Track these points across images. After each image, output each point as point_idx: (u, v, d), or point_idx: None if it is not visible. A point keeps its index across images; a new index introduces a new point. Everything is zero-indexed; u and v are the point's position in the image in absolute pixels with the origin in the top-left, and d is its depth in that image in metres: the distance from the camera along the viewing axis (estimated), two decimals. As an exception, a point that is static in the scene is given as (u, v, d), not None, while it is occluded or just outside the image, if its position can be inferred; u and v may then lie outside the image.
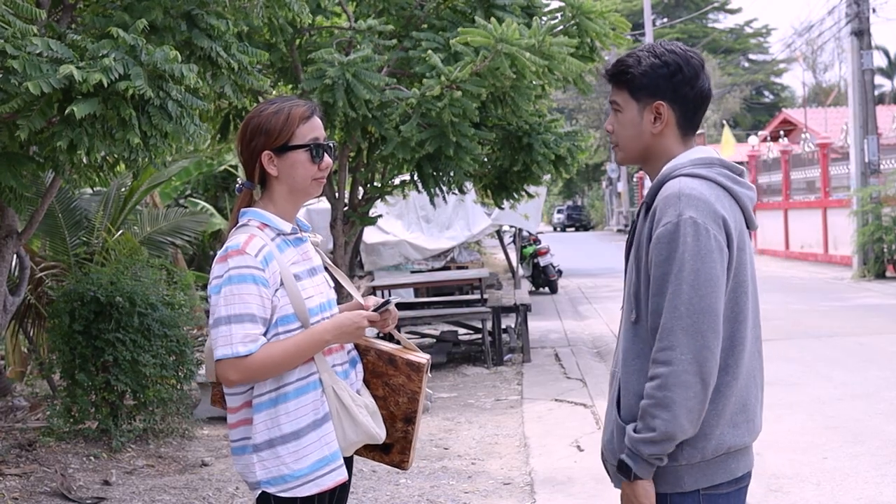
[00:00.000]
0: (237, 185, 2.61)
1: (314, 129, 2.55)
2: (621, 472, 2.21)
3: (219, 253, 2.48)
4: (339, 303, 2.72)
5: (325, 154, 2.56)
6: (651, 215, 2.22)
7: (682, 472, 2.21)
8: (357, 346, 2.68)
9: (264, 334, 2.44)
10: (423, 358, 2.67)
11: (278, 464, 2.47)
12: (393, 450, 2.69)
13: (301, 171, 2.53)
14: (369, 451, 2.68)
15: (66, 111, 4.20)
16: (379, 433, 2.60)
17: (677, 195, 2.17)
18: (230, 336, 2.39)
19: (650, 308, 2.19)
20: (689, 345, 2.11)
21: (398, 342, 2.76)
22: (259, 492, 2.51)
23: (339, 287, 2.76)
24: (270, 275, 2.44)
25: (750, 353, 2.25)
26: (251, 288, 2.41)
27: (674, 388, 2.12)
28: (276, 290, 2.46)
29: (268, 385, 2.47)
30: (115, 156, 4.81)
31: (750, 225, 2.30)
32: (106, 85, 4.16)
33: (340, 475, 2.52)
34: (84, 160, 4.56)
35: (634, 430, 2.18)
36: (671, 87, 2.27)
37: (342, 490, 2.63)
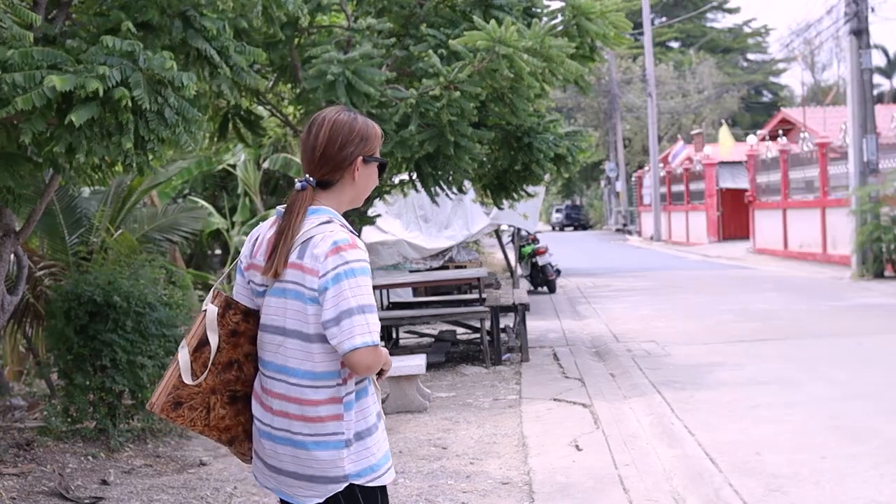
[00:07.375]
0: (300, 182, 2.59)
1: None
2: None
3: (325, 247, 2.46)
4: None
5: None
6: None
7: None
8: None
9: None
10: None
11: (367, 455, 2.53)
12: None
13: (370, 183, 2.67)
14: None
15: (66, 119, 4.18)
16: None
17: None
18: (367, 325, 2.44)
19: None
20: None
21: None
22: (341, 487, 2.50)
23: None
24: None
25: None
26: (369, 281, 2.50)
27: None
28: None
29: (352, 383, 2.54)
30: (113, 158, 4.81)
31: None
32: (102, 93, 4.15)
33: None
34: (82, 160, 4.55)
35: None
36: None
37: None
